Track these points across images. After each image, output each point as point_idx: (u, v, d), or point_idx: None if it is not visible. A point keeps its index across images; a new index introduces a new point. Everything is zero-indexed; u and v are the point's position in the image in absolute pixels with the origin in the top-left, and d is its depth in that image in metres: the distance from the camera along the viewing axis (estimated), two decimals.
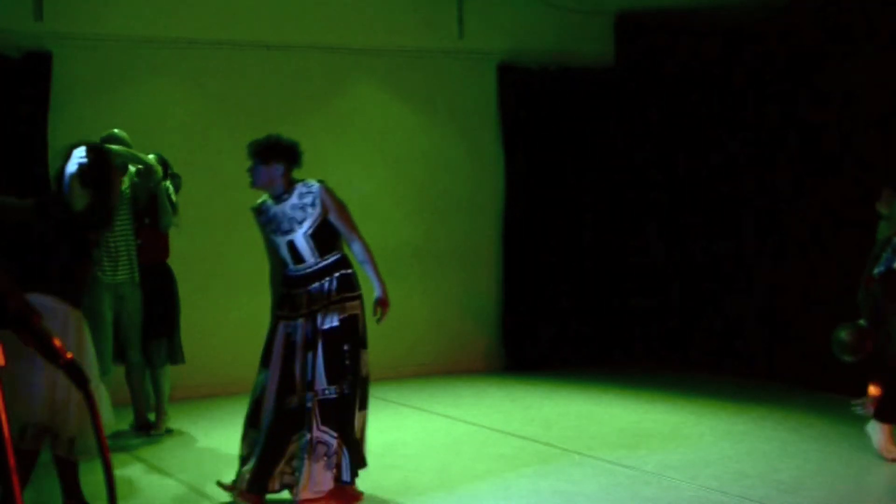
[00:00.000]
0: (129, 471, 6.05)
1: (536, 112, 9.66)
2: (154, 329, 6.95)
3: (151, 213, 6.91)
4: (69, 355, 2.48)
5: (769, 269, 9.01)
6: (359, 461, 5.36)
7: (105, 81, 8.16)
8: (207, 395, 8.21)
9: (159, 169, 6.76)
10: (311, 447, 5.15)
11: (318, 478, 5.15)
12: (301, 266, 5.30)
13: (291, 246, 5.29)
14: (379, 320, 5.43)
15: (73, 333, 4.76)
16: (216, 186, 8.40)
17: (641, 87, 9.97)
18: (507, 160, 9.66)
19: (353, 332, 5.28)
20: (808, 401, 7.90)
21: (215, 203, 8.44)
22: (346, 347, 5.22)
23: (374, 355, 5.71)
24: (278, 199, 5.32)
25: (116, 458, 5.80)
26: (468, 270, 9.58)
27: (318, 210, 5.27)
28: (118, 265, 6.66)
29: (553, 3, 9.58)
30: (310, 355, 5.21)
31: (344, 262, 5.36)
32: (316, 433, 5.15)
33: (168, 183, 7.02)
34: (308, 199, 5.28)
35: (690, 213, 9.66)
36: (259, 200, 5.45)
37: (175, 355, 7.12)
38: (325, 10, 8.91)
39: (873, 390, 7.75)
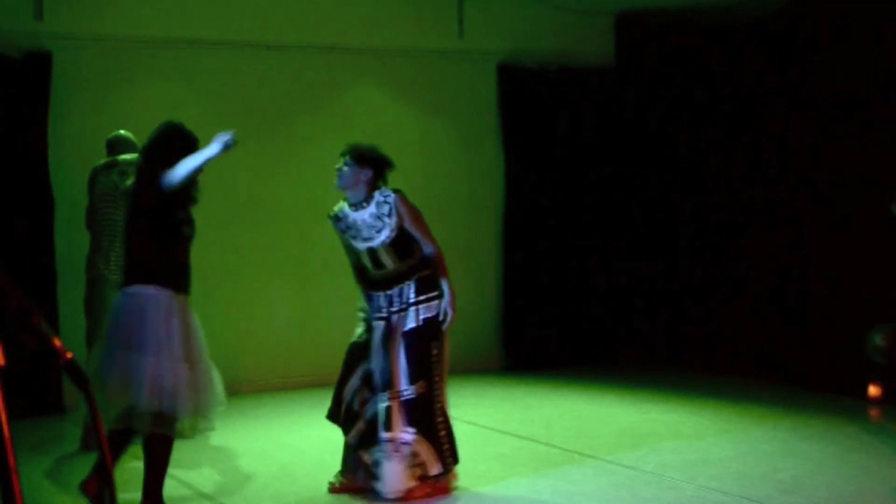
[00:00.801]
0: (130, 470, 6.04)
1: (536, 112, 9.66)
2: None
3: None
4: (69, 355, 2.49)
5: (770, 269, 9.00)
6: (451, 456, 5.51)
7: (105, 81, 8.16)
8: None
9: None
10: (392, 448, 5.30)
11: (401, 477, 5.31)
12: (382, 271, 5.49)
13: (372, 253, 5.46)
14: (445, 326, 5.54)
15: (178, 318, 4.90)
16: (217, 186, 8.38)
17: (641, 87, 9.97)
18: (507, 160, 9.66)
19: (437, 331, 5.45)
20: (808, 401, 7.89)
21: (217, 203, 8.42)
22: (433, 347, 5.42)
23: None
24: (356, 206, 5.46)
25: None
26: (468, 270, 9.55)
27: (394, 220, 5.43)
28: None
29: (553, 3, 9.58)
30: (384, 356, 5.37)
31: (423, 265, 5.52)
32: (399, 434, 5.30)
33: None
34: (385, 209, 5.44)
35: (691, 212, 9.65)
36: (336, 208, 5.58)
37: None
38: (324, 10, 8.91)
39: (873, 390, 7.77)
